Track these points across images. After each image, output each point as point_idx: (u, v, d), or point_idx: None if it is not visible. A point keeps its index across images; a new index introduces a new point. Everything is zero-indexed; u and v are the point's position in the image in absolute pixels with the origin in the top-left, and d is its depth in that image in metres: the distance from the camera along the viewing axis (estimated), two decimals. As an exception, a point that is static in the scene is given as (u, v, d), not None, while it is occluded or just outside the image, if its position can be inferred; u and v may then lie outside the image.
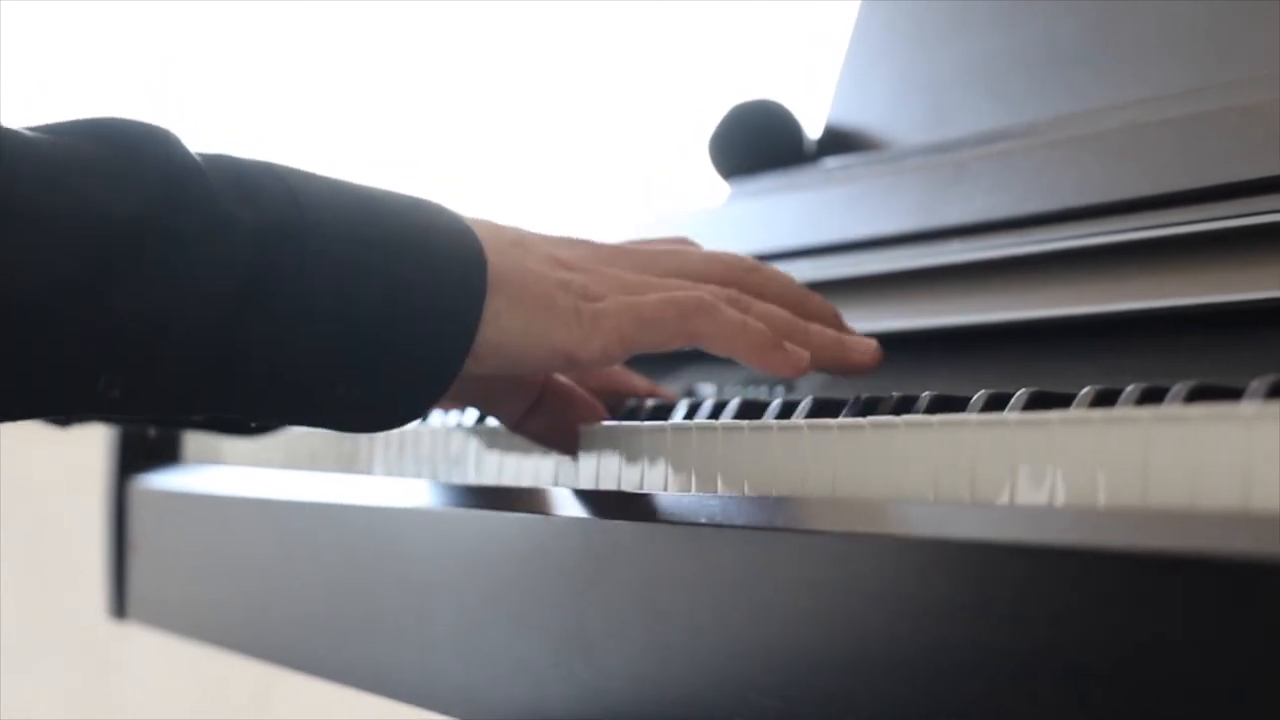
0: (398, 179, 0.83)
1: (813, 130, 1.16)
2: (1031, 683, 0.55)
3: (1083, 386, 0.66)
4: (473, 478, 0.92)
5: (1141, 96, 0.91)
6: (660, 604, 0.71)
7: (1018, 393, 0.68)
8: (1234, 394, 0.61)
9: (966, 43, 1.05)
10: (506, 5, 2.24)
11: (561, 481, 0.85)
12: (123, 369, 0.73)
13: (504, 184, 2.18)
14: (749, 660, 0.67)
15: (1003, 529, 0.58)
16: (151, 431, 1.27)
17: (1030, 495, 0.59)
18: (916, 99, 1.08)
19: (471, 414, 0.99)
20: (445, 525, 0.87)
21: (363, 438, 1.03)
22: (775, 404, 0.81)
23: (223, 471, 1.20)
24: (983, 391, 0.70)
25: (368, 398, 0.77)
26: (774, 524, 0.68)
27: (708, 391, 1.01)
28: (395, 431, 0.99)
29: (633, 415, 0.91)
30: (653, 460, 0.78)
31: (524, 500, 0.84)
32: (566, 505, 0.80)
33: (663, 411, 0.89)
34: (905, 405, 0.73)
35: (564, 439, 0.85)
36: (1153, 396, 0.63)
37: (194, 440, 1.27)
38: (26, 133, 0.73)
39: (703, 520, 0.70)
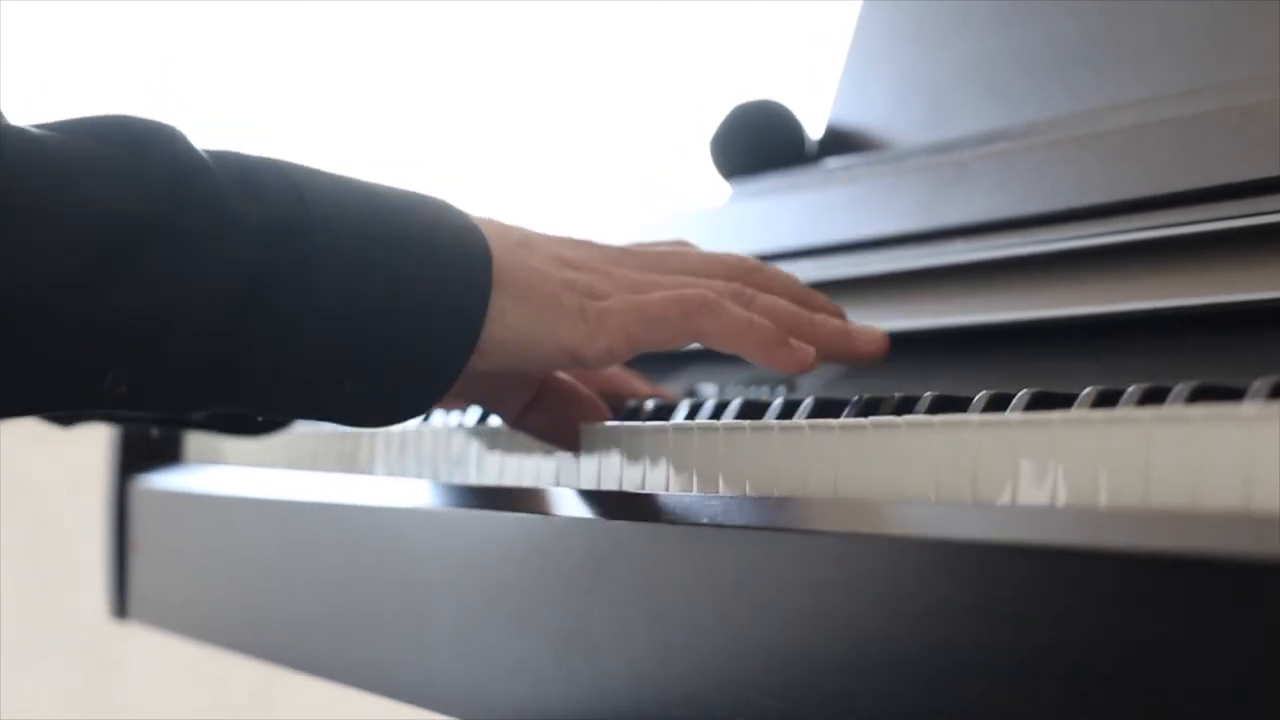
0: (398, 179, 0.83)
1: (814, 130, 1.16)
2: (1033, 683, 0.55)
3: (1084, 387, 0.66)
4: (474, 478, 0.92)
5: (1142, 97, 0.91)
6: (662, 604, 0.71)
7: (1019, 393, 0.68)
8: (1236, 394, 0.61)
9: (967, 43, 1.05)
10: (507, 5, 2.24)
11: (563, 482, 0.85)
12: (129, 365, 0.73)
13: (504, 184, 2.18)
14: (750, 660, 0.67)
15: (1004, 529, 0.58)
16: (154, 432, 1.27)
17: (1032, 495, 0.59)
18: (918, 99, 1.08)
19: (473, 414, 0.99)
20: (446, 525, 0.87)
21: (364, 438, 1.03)
22: (777, 404, 0.81)
23: (224, 471, 1.20)
24: (984, 392, 0.70)
25: (373, 393, 0.78)
26: (776, 524, 0.68)
27: (709, 391, 1.01)
28: (397, 432, 0.99)
29: (634, 415, 0.91)
30: (654, 460, 0.78)
31: (525, 500, 0.84)
32: (568, 505, 0.80)
33: (664, 412, 0.89)
34: (907, 405, 0.73)
35: (564, 435, 0.85)
36: (1154, 397, 0.63)
37: (195, 440, 1.27)
38: (32, 130, 0.73)
39: (704, 520, 0.70)
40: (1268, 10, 0.87)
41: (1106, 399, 0.65)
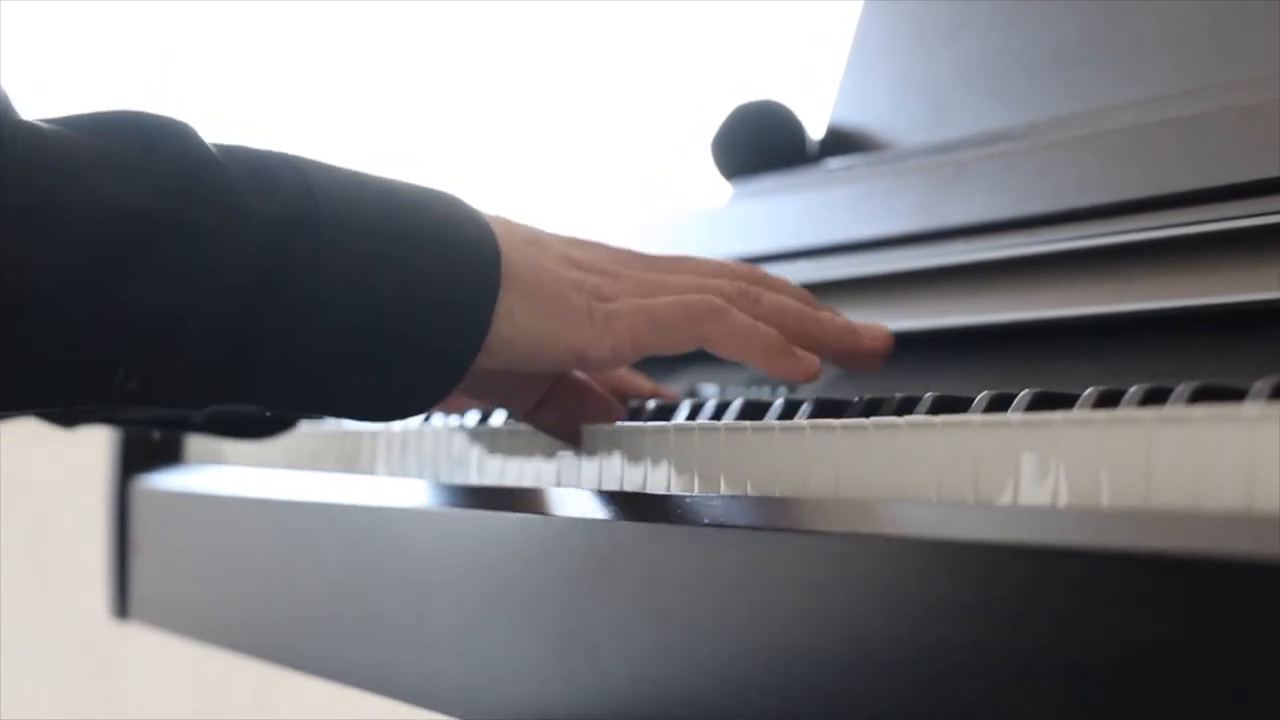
0: (399, 178, 0.83)
1: (815, 131, 1.16)
2: (1033, 683, 0.55)
3: (1086, 387, 0.66)
4: (475, 478, 0.92)
5: (1142, 97, 0.91)
6: (662, 604, 0.71)
7: (1021, 393, 0.68)
8: (1237, 395, 0.61)
9: (968, 43, 1.05)
10: (508, 5, 2.24)
11: (564, 482, 0.85)
12: (140, 361, 0.74)
13: (505, 184, 2.18)
14: (751, 660, 0.67)
15: (1006, 530, 0.58)
16: (156, 435, 1.27)
17: (1033, 496, 0.59)
18: (918, 99, 1.08)
19: (474, 415, 0.99)
20: (447, 525, 0.87)
21: (365, 438, 1.03)
22: (778, 404, 0.81)
23: (225, 471, 1.20)
24: (986, 392, 0.70)
25: (380, 389, 0.78)
26: (776, 524, 0.68)
27: (710, 392, 1.01)
28: (398, 432, 0.99)
29: (635, 416, 0.91)
30: (655, 461, 0.78)
31: (525, 500, 0.85)
32: (568, 505, 0.81)
33: (665, 412, 0.89)
34: (908, 406, 0.73)
35: (575, 432, 0.86)
36: (1156, 397, 0.63)
37: (196, 440, 1.27)
38: (43, 125, 0.73)
39: (705, 521, 0.70)
40: (1268, 10, 0.87)
41: (1108, 399, 0.65)
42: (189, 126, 0.75)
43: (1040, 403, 0.67)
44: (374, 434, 1.02)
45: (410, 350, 0.77)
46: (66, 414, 1.06)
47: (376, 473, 1.01)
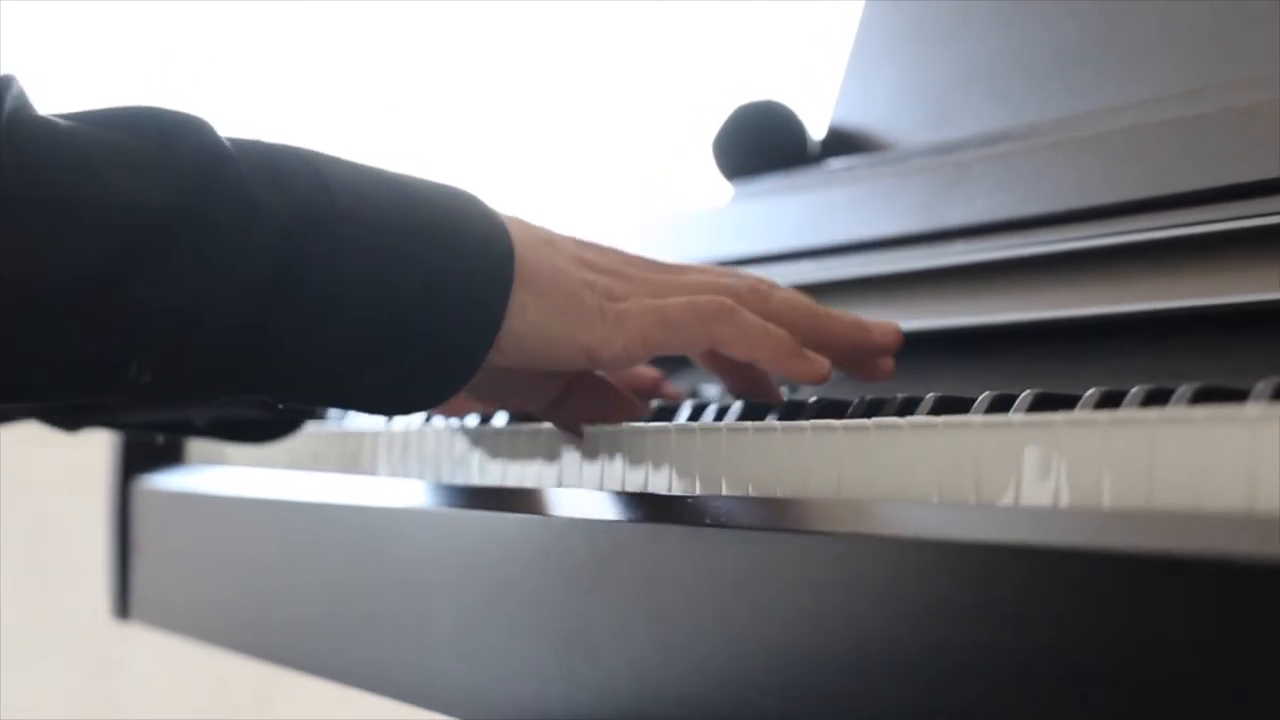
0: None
1: (816, 131, 1.16)
2: (1035, 683, 0.55)
3: (1087, 388, 0.66)
4: (476, 479, 0.92)
5: (1142, 97, 0.91)
6: (663, 604, 0.71)
7: (1022, 394, 0.68)
8: (1239, 396, 0.61)
9: (968, 44, 1.05)
10: (509, 5, 2.24)
11: (566, 483, 0.85)
12: (154, 356, 0.74)
13: (506, 184, 2.18)
14: (751, 661, 0.67)
15: (1008, 530, 0.58)
16: (160, 439, 1.27)
17: (1035, 496, 0.59)
18: (919, 100, 1.08)
19: (473, 417, 0.99)
20: (448, 526, 0.87)
21: (366, 439, 1.03)
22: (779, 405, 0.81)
23: (226, 472, 1.20)
24: (987, 393, 0.70)
25: (394, 384, 0.78)
26: (777, 525, 0.68)
27: (712, 393, 1.01)
28: (399, 433, 0.99)
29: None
30: (657, 462, 0.78)
31: (526, 501, 0.85)
32: (568, 505, 0.81)
33: (667, 413, 0.90)
34: (910, 406, 0.73)
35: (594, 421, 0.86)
36: (1157, 398, 0.63)
37: (198, 440, 1.27)
38: (60, 121, 0.73)
39: (706, 521, 0.70)
40: (1268, 10, 0.87)
41: (1110, 400, 0.65)
42: (205, 122, 0.76)
43: (1042, 403, 0.67)
44: (375, 435, 1.02)
45: (424, 346, 0.77)
46: (70, 418, 1.06)
47: (378, 473, 1.01)
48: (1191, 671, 0.50)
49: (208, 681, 2.33)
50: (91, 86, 2.17)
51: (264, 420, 1.05)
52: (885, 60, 1.12)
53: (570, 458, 0.85)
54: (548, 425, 0.88)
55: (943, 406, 0.71)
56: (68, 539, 2.27)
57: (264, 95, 2.23)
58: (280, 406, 1.02)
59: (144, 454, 1.30)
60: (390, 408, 0.81)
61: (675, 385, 1.02)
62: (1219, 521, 0.52)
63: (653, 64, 2.17)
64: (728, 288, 0.83)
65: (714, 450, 0.74)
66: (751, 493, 0.72)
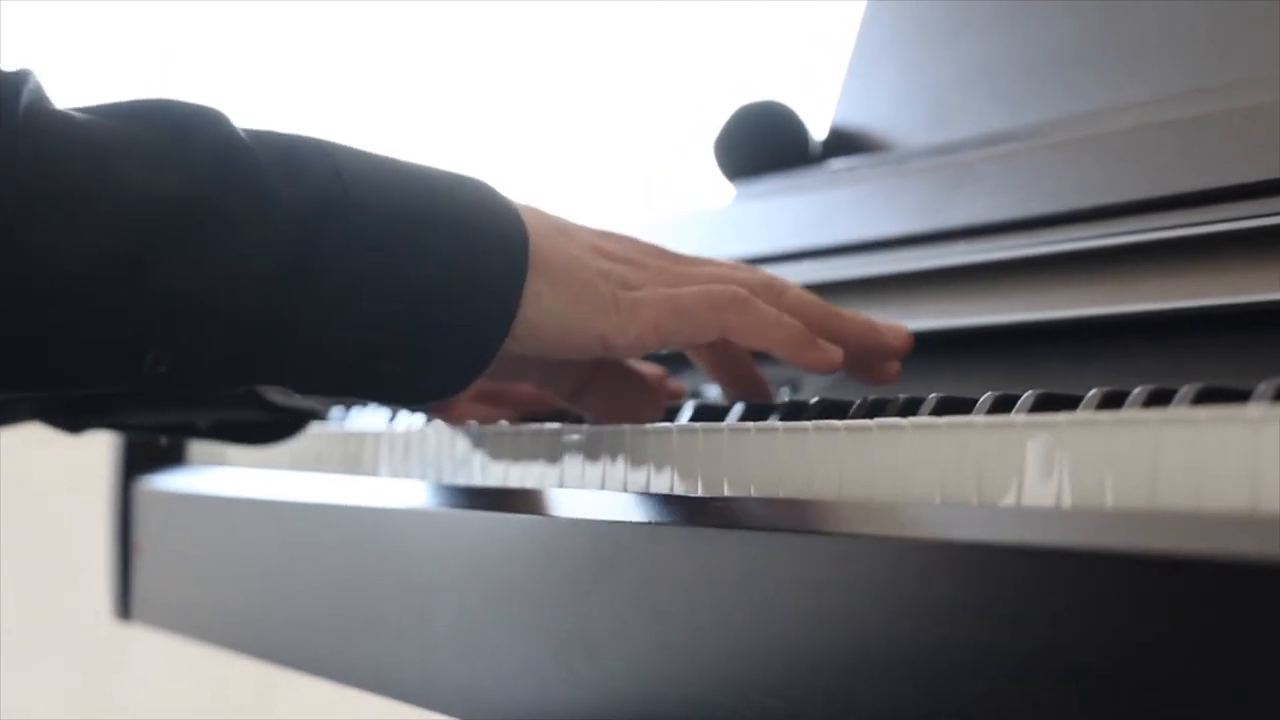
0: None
1: (818, 131, 1.16)
2: (1037, 683, 0.55)
3: (1089, 388, 0.66)
4: (478, 480, 0.92)
5: (1143, 98, 0.91)
6: (663, 605, 0.71)
7: (1025, 394, 0.68)
8: (1241, 396, 0.61)
9: (970, 44, 1.05)
10: (510, 5, 2.24)
11: (568, 483, 0.85)
12: (170, 347, 0.74)
13: (506, 184, 2.18)
14: (751, 661, 0.67)
15: (1010, 531, 0.58)
16: (163, 440, 1.27)
17: (1037, 497, 0.59)
18: (921, 100, 1.08)
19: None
20: (449, 526, 0.87)
21: (368, 439, 1.03)
22: (781, 405, 0.81)
23: (228, 473, 1.20)
24: (989, 393, 0.70)
25: (409, 374, 0.78)
26: (779, 526, 0.68)
27: (714, 393, 1.01)
28: (401, 433, 0.99)
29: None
30: (659, 462, 0.78)
31: (526, 501, 0.85)
32: (569, 506, 0.81)
33: (668, 413, 0.90)
34: (912, 407, 0.73)
35: (618, 416, 0.86)
36: (1160, 399, 0.63)
37: (200, 441, 1.27)
38: (76, 115, 0.74)
39: (707, 522, 0.70)
40: (1268, 11, 0.87)
41: (1112, 401, 0.65)
42: (220, 113, 0.76)
43: (1044, 404, 0.67)
44: (377, 435, 1.02)
45: (439, 335, 0.78)
46: (73, 420, 1.06)
47: (379, 474, 1.01)
48: (1193, 672, 0.50)
49: (208, 682, 2.33)
50: (100, 79, 2.17)
51: (267, 422, 1.05)
52: (887, 61, 1.12)
53: (572, 458, 0.85)
54: (550, 426, 0.88)
55: (945, 407, 0.71)
56: (69, 539, 2.27)
57: (262, 96, 2.23)
58: (282, 405, 1.03)
59: (145, 455, 1.30)
60: (406, 397, 0.81)
61: (677, 384, 1.02)
62: (1221, 522, 0.52)
63: (654, 64, 2.17)
64: (742, 281, 0.83)
65: (716, 451, 0.75)
66: (754, 493, 0.72)
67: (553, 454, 0.86)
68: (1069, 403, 0.66)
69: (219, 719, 2.35)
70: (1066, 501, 0.58)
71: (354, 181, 0.76)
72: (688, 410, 0.88)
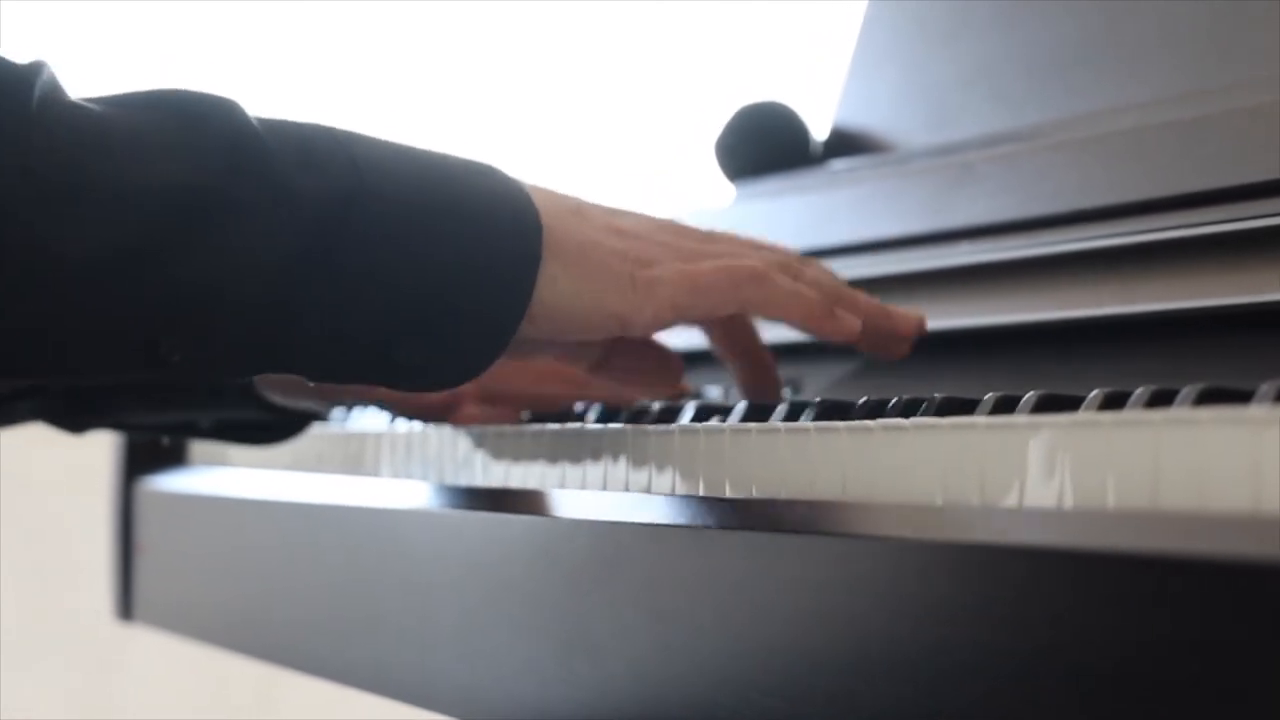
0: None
1: (819, 132, 1.16)
2: (1036, 684, 0.55)
3: (1091, 389, 0.66)
4: (480, 480, 0.92)
5: (1144, 99, 0.91)
6: (664, 605, 0.71)
7: (1026, 395, 0.68)
8: (1243, 397, 0.61)
9: (971, 45, 1.05)
10: (511, 5, 2.24)
11: (569, 484, 0.85)
12: (182, 335, 0.74)
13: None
14: (752, 661, 0.67)
15: (1012, 532, 0.58)
16: (165, 440, 1.27)
17: (1039, 498, 0.59)
18: (922, 101, 1.08)
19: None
20: (451, 527, 0.87)
21: (369, 440, 1.03)
22: (783, 406, 0.81)
23: (229, 473, 1.20)
24: (991, 394, 0.70)
25: (425, 361, 0.79)
26: (781, 527, 0.68)
27: (715, 394, 1.01)
28: (402, 434, 0.99)
29: (639, 417, 0.91)
30: (660, 463, 0.78)
31: (529, 502, 0.85)
32: (571, 507, 0.81)
33: (670, 414, 0.90)
34: (914, 407, 0.73)
35: (637, 389, 0.86)
36: (1162, 399, 0.63)
37: (201, 442, 1.27)
38: (90, 105, 0.74)
39: (710, 523, 0.70)
40: (1269, 12, 0.87)
41: (1114, 401, 0.65)
42: (234, 102, 0.76)
43: (1046, 404, 0.67)
44: (378, 436, 1.02)
45: (454, 322, 0.78)
46: (75, 420, 1.06)
47: (381, 474, 1.01)
48: (1194, 673, 0.50)
49: (209, 682, 2.33)
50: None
51: (269, 422, 1.05)
52: (888, 61, 1.12)
53: (573, 459, 0.85)
54: (551, 426, 0.88)
55: (947, 407, 0.71)
56: (70, 540, 2.27)
57: (265, 95, 2.23)
58: (283, 406, 1.03)
59: (146, 455, 1.30)
60: (423, 383, 0.81)
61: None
62: (1223, 523, 0.52)
63: (655, 64, 2.17)
64: (760, 258, 0.83)
65: (718, 451, 0.75)
66: (756, 494, 0.72)
67: (554, 455, 0.86)
68: (1071, 403, 0.66)
69: (219, 719, 2.35)
70: (1068, 502, 0.58)
71: (369, 170, 0.77)
72: (689, 410, 0.88)
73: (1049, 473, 0.59)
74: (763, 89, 1.23)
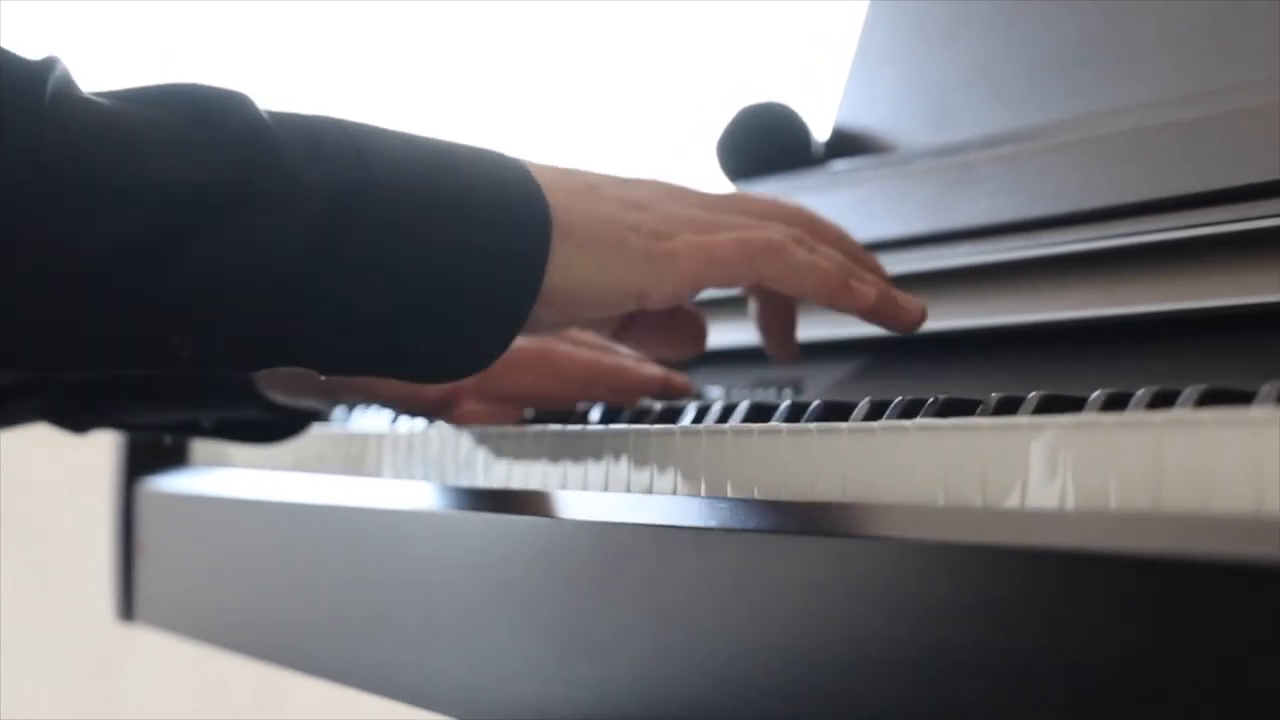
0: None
1: (820, 132, 1.16)
2: (1038, 685, 0.55)
3: (1093, 390, 0.66)
4: (481, 481, 0.92)
5: (1144, 100, 0.91)
6: (667, 607, 0.71)
7: (1028, 396, 0.68)
8: (1245, 398, 0.61)
9: (972, 46, 1.05)
10: (512, 5, 2.24)
11: (570, 484, 0.85)
12: (193, 331, 0.75)
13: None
14: (752, 661, 0.67)
15: (1014, 533, 0.58)
16: (167, 440, 1.27)
17: (1041, 499, 0.59)
18: (923, 101, 1.08)
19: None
20: (452, 528, 0.87)
21: (371, 440, 1.03)
22: (784, 407, 0.81)
23: (230, 474, 1.20)
24: (993, 395, 0.70)
25: (435, 351, 0.79)
26: (783, 528, 0.68)
27: (716, 394, 1.01)
28: (404, 434, 0.99)
29: (641, 418, 0.92)
30: (661, 464, 0.78)
31: (531, 503, 0.85)
32: (574, 508, 0.81)
33: (671, 414, 0.90)
34: (915, 408, 0.73)
35: (665, 349, 0.86)
36: (1164, 400, 0.63)
37: (202, 443, 1.27)
38: (102, 101, 0.74)
39: (711, 524, 0.70)
40: (1269, 12, 0.87)
41: (1116, 402, 0.65)
42: (245, 96, 0.76)
43: (1048, 405, 0.67)
44: (380, 437, 1.02)
45: (463, 312, 0.78)
46: (78, 420, 1.06)
47: (382, 475, 1.01)
48: (1196, 674, 0.50)
49: (209, 682, 2.33)
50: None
51: (270, 421, 1.05)
52: (889, 62, 1.12)
53: (574, 460, 0.85)
54: (552, 427, 0.88)
55: (949, 408, 0.71)
56: (71, 540, 2.27)
57: (266, 92, 2.23)
58: (284, 405, 1.03)
59: (148, 455, 1.30)
60: (434, 373, 0.82)
61: (683, 381, 1.02)
62: (1225, 524, 0.52)
63: (656, 64, 2.17)
64: (777, 230, 0.83)
65: (719, 452, 0.75)
66: (757, 495, 0.72)
67: (555, 455, 0.87)
68: (1073, 404, 0.66)
69: (220, 719, 2.35)
70: (1070, 503, 0.58)
71: (377, 161, 0.77)
72: (690, 411, 0.88)
73: (1051, 473, 0.59)
74: (764, 89, 1.23)
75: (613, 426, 0.84)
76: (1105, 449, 0.57)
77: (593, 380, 1.01)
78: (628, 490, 0.80)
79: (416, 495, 0.93)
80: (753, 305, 0.91)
